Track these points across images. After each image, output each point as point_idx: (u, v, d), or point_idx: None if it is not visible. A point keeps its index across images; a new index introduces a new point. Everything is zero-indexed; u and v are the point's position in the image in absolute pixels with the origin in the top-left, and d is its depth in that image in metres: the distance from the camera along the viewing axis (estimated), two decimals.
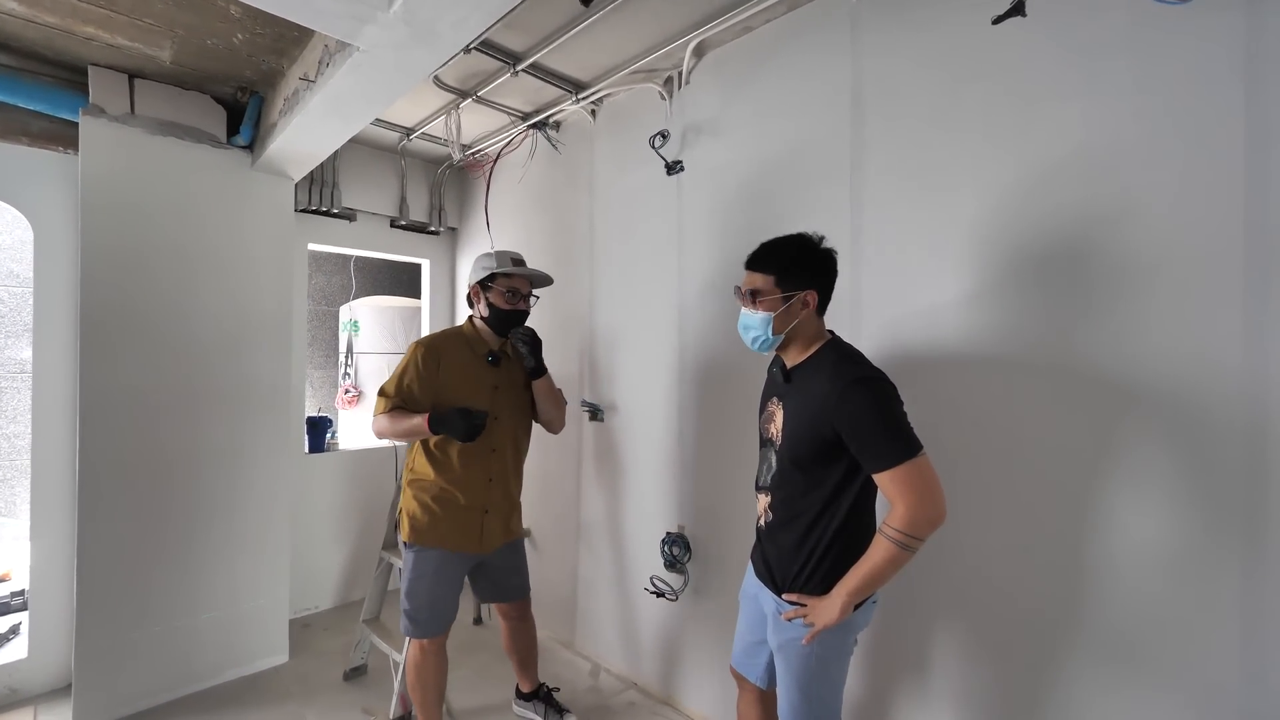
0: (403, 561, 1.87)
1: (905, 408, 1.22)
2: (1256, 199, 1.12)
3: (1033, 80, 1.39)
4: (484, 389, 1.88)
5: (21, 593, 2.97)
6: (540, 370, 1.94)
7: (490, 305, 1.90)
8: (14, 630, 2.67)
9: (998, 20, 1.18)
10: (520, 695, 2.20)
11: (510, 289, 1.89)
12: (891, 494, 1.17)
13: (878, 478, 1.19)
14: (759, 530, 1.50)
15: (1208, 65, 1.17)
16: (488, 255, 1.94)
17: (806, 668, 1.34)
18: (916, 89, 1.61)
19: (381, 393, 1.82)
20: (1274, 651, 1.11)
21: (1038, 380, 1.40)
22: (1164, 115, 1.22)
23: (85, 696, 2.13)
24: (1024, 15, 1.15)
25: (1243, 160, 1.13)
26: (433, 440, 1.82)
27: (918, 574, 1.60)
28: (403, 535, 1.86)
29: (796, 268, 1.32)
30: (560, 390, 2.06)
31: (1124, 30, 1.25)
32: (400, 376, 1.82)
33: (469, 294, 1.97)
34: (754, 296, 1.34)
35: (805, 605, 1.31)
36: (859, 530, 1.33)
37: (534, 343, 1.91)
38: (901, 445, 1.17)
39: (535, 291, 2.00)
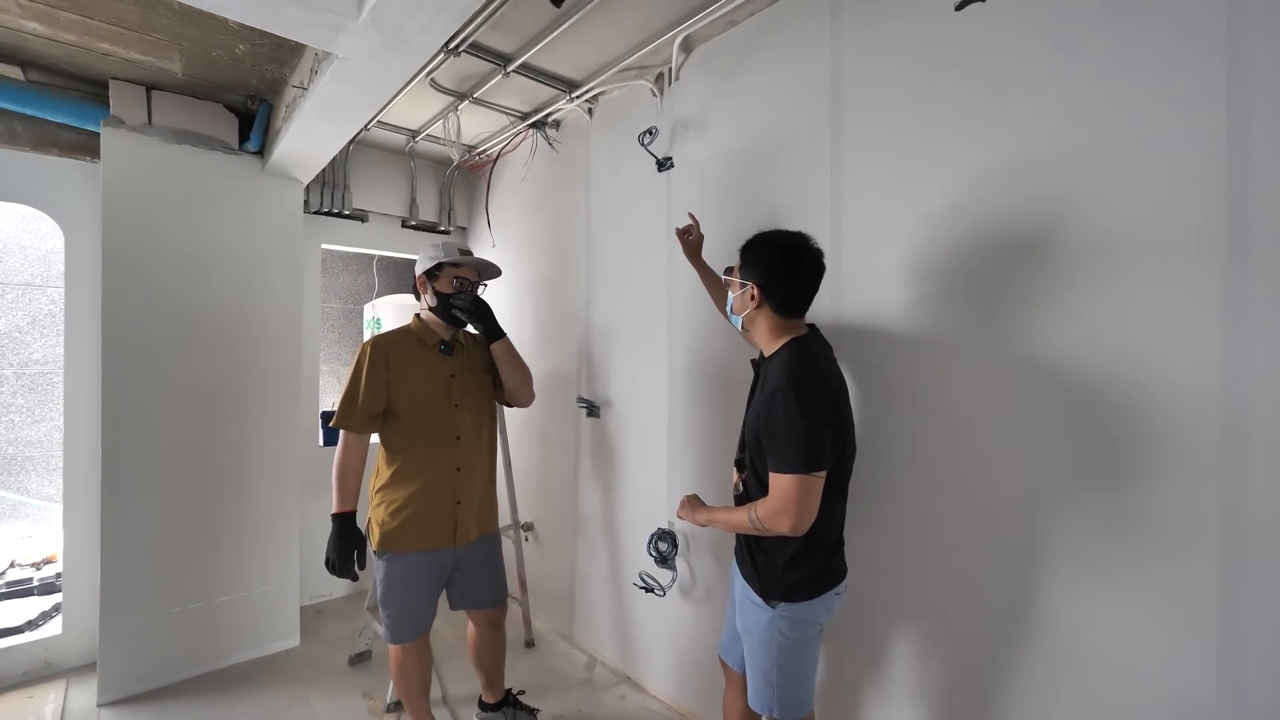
0: (375, 570, 1.85)
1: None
2: (1237, 183, 1.05)
3: (1006, 65, 1.34)
4: (440, 379, 1.86)
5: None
6: (497, 332, 1.87)
7: (437, 294, 1.86)
8: (56, 608, 2.87)
9: (959, 6, 1.14)
10: (484, 707, 2.12)
11: (457, 278, 1.86)
12: (771, 489, 1.27)
13: (769, 474, 1.26)
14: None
15: (1188, 45, 1.10)
16: (434, 246, 1.88)
17: (768, 654, 1.36)
18: (893, 77, 1.56)
19: (341, 409, 1.78)
20: (1253, 665, 1.05)
21: (1012, 377, 1.34)
22: (1143, 98, 1.15)
23: (109, 672, 2.28)
24: (983, 0, 1.10)
25: (1224, 142, 1.06)
26: (394, 437, 1.83)
27: (883, 570, 1.58)
28: (372, 544, 1.83)
29: (750, 260, 1.39)
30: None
31: (1099, 9, 1.19)
32: (355, 392, 1.77)
33: (415, 285, 1.93)
34: (728, 272, 1.49)
35: (689, 505, 1.52)
36: (821, 518, 1.32)
37: (479, 307, 1.84)
38: (795, 456, 1.22)
39: (483, 283, 1.96)
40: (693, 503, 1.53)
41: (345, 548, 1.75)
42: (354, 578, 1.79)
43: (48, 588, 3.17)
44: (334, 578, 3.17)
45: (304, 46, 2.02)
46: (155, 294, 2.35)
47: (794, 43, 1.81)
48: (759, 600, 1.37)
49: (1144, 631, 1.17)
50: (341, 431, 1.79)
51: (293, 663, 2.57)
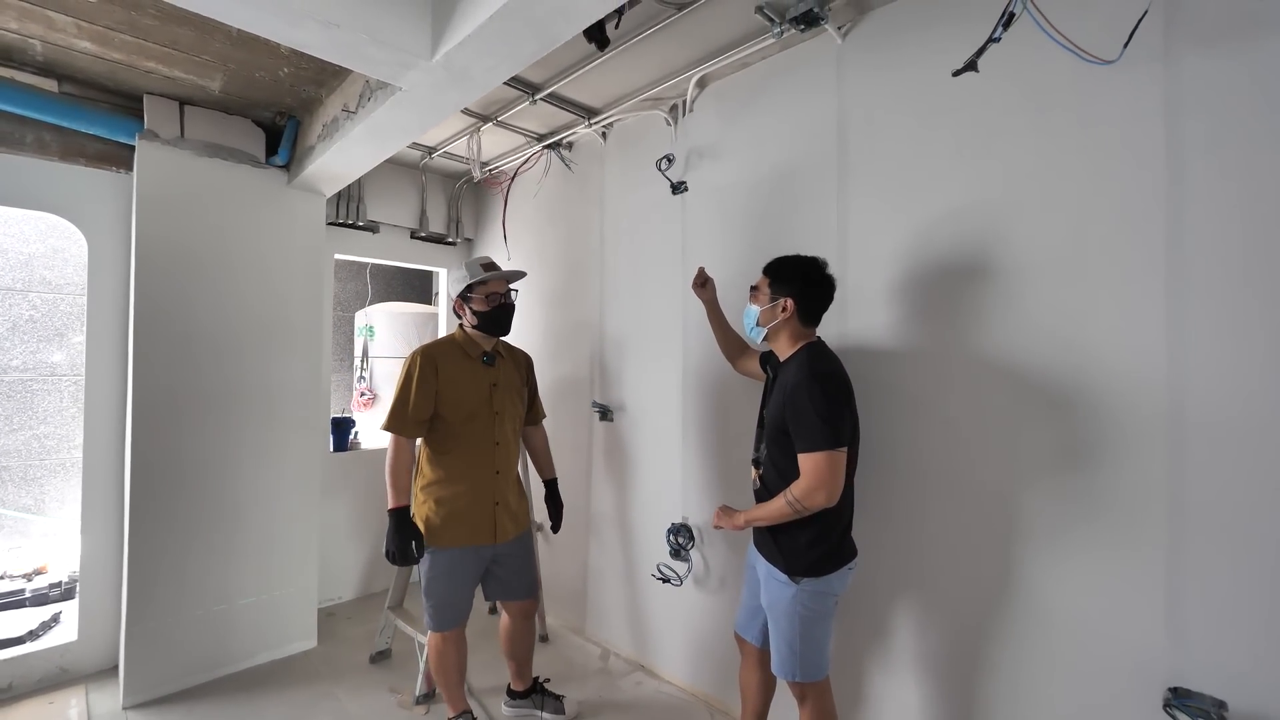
0: (420, 562, 1.97)
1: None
2: (1175, 219, 1.32)
3: (992, 118, 1.60)
4: (483, 387, 2.02)
5: (59, 584, 3.16)
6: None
7: (475, 312, 2.03)
8: (55, 619, 2.84)
9: (956, 73, 1.38)
10: (513, 695, 2.27)
11: (489, 294, 2.03)
12: (802, 470, 1.47)
13: (799, 455, 1.47)
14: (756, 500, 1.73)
15: (1136, 107, 1.37)
16: (461, 269, 2.07)
17: (791, 625, 1.55)
18: (893, 122, 1.81)
19: (392, 414, 1.91)
20: (1195, 616, 1.30)
21: (996, 379, 1.59)
22: (1103, 149, 1.42)
23: (134, 675, 2.30)
24: (976, 71, 1.34)
25: (1164, 185, 1.34)
26: (440, 441, 1.97)
27: (887, 554, 1.81)
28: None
29: (785, 276, 1.62)
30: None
31: (1068, 77, 1.45)
32: (405, 399, 1.91)
33: (454, 307, 2.12)
34: (753, 291, 1.68)
35: (723, 514, 1.70)
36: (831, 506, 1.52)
37: (556, 507, 2.34)
38: (823, 435, 1.44)
39: (513, 287, 2.13)
40: (727, 512, 1.70)
41: (404, 538, 1.87)
42: (415, 563, 1.91)
43: (40, 599, 3.12)
44: (346, 580, 3.26)
45: (346, 71, 2.14)
46: (184, 302, 2.41)
47: (802, 86, 2.04)
48: (783, 578, 1.57)
49: (1109, 594, 1.41)
50: (391, 435, 1.91)
51: (313, 663, 2.63)
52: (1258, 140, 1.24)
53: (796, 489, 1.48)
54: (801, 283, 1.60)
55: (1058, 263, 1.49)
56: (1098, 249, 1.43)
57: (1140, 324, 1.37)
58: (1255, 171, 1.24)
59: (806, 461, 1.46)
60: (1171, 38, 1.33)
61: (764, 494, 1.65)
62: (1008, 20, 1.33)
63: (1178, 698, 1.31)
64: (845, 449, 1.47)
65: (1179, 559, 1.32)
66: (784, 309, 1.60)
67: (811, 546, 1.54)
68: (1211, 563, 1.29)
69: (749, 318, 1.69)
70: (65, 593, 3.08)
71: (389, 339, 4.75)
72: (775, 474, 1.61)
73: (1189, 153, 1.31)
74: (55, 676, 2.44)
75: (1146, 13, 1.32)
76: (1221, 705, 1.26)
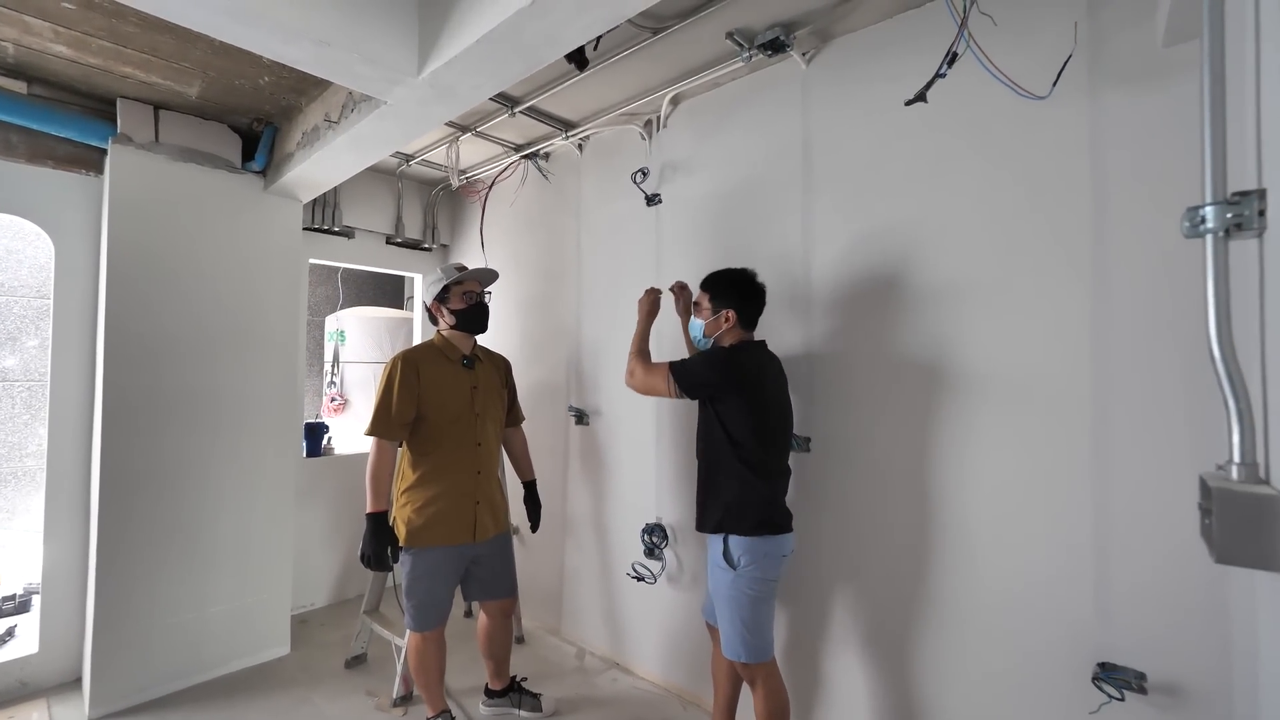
0: (401, 564, 2.01)
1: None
2: (1100, 236, 1.48)
3: (942, 143, 1.74)
4: (464, 389, 2.08)
5: (13, 597, 3.05)
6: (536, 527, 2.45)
7: (453, 312, 2.10)
8: (10, 633, 2.75)
9: (909, 103, 1.52)
10: (490, 694, 2.31)
11: (465, 292, 2.11)
12: (655, 366, 1.84)
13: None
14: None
15: (1065, 139, 1.53)
16: (435, 273, 2.13)
17: (733, 610, 1.68)
18: (853, 143, 1.95)
19: (375, 419, 1.95)
20: (1121, 593, 1.45)
21: (932, 382, 1.73)
22: (1037, 175, 1.58)
23: (101, 685, 2.26)
24: (926, 101, 1.48)
25: (1090, 207, 1.49)
26: (422, 443, 2.01)
27: (823, 545, 1.95)
28: (400, 541, 2.00)
29: (724, 290, 1.80)
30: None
31: (1007, 111, 1.60)
32: (388, 403, 1.95)
33: (429, 311, 2.17)
34: (696, 306, 1.87)
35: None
36: (724, 470, 1.73)
37: (536, 511, 2.41)
38: (682, 367, 1.76)
39: (487, 289, 2.22)
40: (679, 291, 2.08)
41: (380, 543, 1.91)
42: (389, 569, 1.94)
43: None
44: (319, 587, 3.24)
45: (327, 81, 2.17)
46: (157, 307, 2.39)
47: (770, 106, 2.17)
48: (722, 563, 1.70)
49: (1043, 580, 1.55)
50: (374, 439, 1.95)
51: (288, 669, 2.62)
52: (1171, 174, 1.39)
53: (644, 361, 1.87)
54: (739, 295, 1.79)
55: (995, 277, 1.64)
56: (1031, 265, 1.58)
57: (1068, 334, 1.52)
58: (1166, 202, 1.40)
59: (660, 364, 1.81)
60: (1095, 77, 1.49)
61: (700, 462, 1.83)
62: (952, 58, 1.47)
63: (1105, 671, 1.45)
64: (675, 383, 1.74)
65: (1104, 547, 1.47)
66: (727, 319, 1.78)
67: (731, 508, 1.70)
68: (1133, 549, 1.44)
69: (695, 330, 1.89)
70: (19, 606, 2.97)
71: (360, 344, 4.71)
72: (699, 454, 1.83)
73: (1111, 182, 1.47)
74: (15, 690, 2.38)
75: (1072, 55, 1.48)
76: (1142, 676, 1.41)
